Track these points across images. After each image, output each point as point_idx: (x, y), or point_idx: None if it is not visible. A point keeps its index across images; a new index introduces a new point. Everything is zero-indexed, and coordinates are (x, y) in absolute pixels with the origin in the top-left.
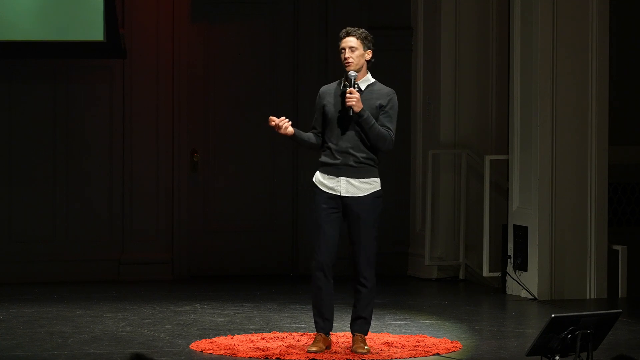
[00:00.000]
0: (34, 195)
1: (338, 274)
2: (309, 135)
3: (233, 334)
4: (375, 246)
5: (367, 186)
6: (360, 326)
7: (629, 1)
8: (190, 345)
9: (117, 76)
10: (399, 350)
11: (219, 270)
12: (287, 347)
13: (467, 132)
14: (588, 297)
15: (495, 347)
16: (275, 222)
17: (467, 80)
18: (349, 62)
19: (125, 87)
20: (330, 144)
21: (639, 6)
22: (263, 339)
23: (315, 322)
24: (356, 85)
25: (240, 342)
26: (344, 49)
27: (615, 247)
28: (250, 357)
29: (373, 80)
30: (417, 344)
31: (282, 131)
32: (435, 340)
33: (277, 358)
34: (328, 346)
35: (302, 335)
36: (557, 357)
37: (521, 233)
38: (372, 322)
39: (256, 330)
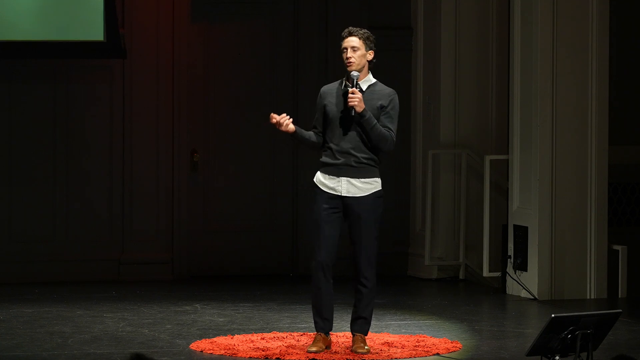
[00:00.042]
0: (34, 195)
1: (338, 274)
2: (310, 134)
3: (233, 334)
4: (376, 246)
5: (368, 186)
6: (360, 326)
7: (629, 1)
8: (190, 345)
9: (117, 76)
10: (399, 350)
11: (219, 270)
12: (287, 347)
13: (467, 132)
14: (588, 297)
15: (495, 347)
16: (275, 222)
17: (467, 80)
18: (350, 62)
19: (125, 87)
20: (331, 144)
21: (639, 6)
22: (263, 339)
23: (315, 322)
24: (358, 86)
25: (240, 342)
26: (346, 48)
27: (615, 247)
28: (250, 357)
29: (374, 80)
30: (417, 344)
31: (283, 128)
32: (435, 340)
33: (277, 358)
34: (328, 346)
35: (302, 335)
36: (557, 357)
37: (521, 233)
38: (372, 322)
39: (256, 330)
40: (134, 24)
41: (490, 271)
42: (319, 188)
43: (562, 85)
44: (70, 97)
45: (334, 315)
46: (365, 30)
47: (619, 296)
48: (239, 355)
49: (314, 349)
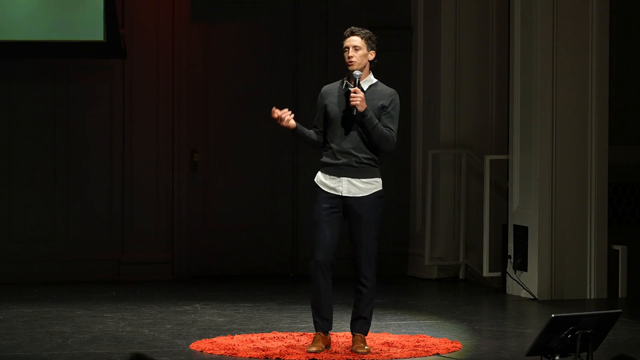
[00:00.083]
0: (34, 195)
1: (338, 274)
2: (311, 132)
3: (233, 334)
4: (376, 246)
5: (368, 186)
6: (360, 326)
7: (629, 1)
8: (190, 345)
9: (117, 76)
10: (399, 350)
11: (219, 270)
12: (287, 347)
13: (467, 132)
14: (588, 297)
15: (495, 347)
16: (275, 222)
17: (467, 80)
18: (352, 61)
19: (125, 87)
20: (332, 144)
21: (639, 6)
22: (263, 339)
23: (314, 322)
24: (359, 85)
25: (240, 342)
26: (348, 47)
27: (615, 247)
28: (250, 357)
29: (375, 80)
30: (417, 344)
31: (284, 123)
32: (435, 340)
33: (277, 358)
34: (327, 345)
35: (302, 335)
36: (557, 357)
37: (521, 233)
38: (372, 322)
39: (256, 330)
40: (134, 24)
41: (490, 271)
42: (320, 188)
43: (562, 85)
44: (70, 97)
45: (334, 315)
46: (368, 31)
47: (619, 296)
48: (239, 355)
49: (313, 348)
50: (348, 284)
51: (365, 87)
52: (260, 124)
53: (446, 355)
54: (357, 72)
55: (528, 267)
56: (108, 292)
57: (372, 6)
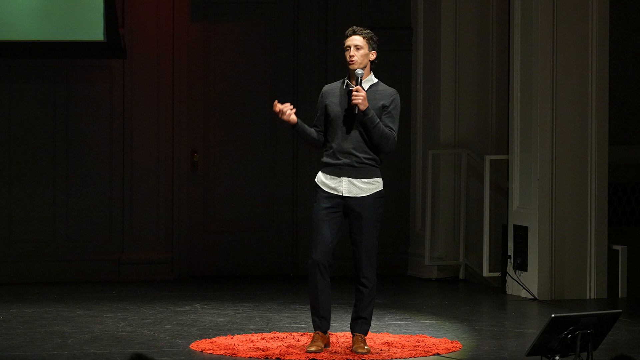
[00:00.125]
0: (34, 195)
1: (338, 273)
2: (312, 130)
3: (233, 334)
4: (376, 246)
5: (369, 186)
6: (360, 326)
7: (629, 1)
8: (190, 345)
9: (117, 76)
10: (399, 350)
11: (219, 270)
12: (287, 347)
13: (467, 132)
14: (588, 297)
15: (495, 347)
16: (275, 222)
17: (467, 80)
18: (353, 61)
19: (125, 87)
20: (332, 144)
21: (639, 6)
22: (263, 339)
23: (313, 321)
24: (361, 84)
25: (240, 342)
26: (349, 47)
27: (615, 247)
28: (250, 357)
29: (376, 80)
30: (417, 344)
31: (285, 117)
32: (435, 340)
33: (277, 358)
34: (327, 344)
35: (302, 335)
36: (557, 357)
37: (521, 233)
38: (372, 322)
39: (256, 330)
40: (134, 24)
41: (490, 271)
42: (320, 188)
43: (562, 85)
44: (70, 97)
45: (334, 315)
46: (369, 31)
47: (619, 296)
48: (239, 355)
49: (312, 348)
50: (348, 284)
51: (366, 87)
52: (260, 124)
53: (446, 355)
54: (359, 71)
55: (528, 267)
56: (108, 292)
57: (372, 6)
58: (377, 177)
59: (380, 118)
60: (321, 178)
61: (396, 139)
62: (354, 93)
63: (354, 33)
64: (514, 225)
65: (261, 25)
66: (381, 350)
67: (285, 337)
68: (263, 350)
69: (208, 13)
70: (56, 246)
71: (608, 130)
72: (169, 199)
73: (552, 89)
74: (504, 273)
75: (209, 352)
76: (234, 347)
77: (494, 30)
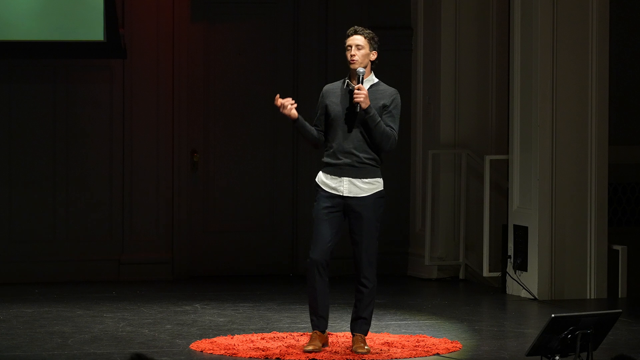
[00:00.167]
0: (34, 195)
1: (338, 273)
2: (312, 128)
3: (233, 334)
4: (376, 246)
5: (369, 186)
6: (360, 326)
7: (629, 1)
8: (190, 345)
9: (117, 76)
10: (399, 350)
11: (219, 270)
12: (287, 347)
13: (467, 132)
14: (588, 297)
15: (495, 347)
16: (275, 222)
17: (467, 80)
18: (354, 60)
19: (125, 87)
20: (333, 144)
21: (639, 6)
22: (263, 339)
23: (311, 320)
24: (363, 83)
25: (240, 342)
26: (351, 46)
27: (615, 247)
28: (250, 357)
29: (377, 80)
30: (417, 344)
31: (286, 112)
32: (435, 340)
33: (277, 358)
34: (325, 343)
35: (302, 335)
36: (557, 357)
37: (521, 233)
38: (372, 322)
39: (256, 330)
40: (134, 24)
41: (490, 271)
42: (321, 187)
43: (562, 85)
44: (70, 97)
45: (334, 315)
46: (371, 31)
47: (619, 296)
48: (239, 355)
49: (310, 347)
50: (348, 284)
51: (366, 87)
52: (260, 124)
53: (446, 355)
54: (360, 69)
55: (528, 267)
56: (108, 292)
57: (372, 6)
58: (378, 177)
59: (381, 117)
60: (322, 178)
61: (397, 138)
62: (356, 91)
63: (356, 32)
64: (514, 225)
65: (261, 25)
66: (381, 350)
67: (285, 337)
68: (263, 350)
69: (208, 13)
70: (56, 246)
71: (608, 130)
72: (169, 199)
73: (552, 89)
74: (504, 273)
75: (209, 352)
76: (234, 347)
77: (494, 30)
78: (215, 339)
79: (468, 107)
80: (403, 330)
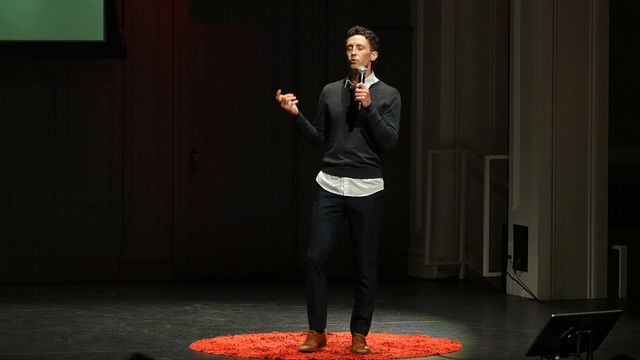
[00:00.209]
0: (34, 195)
1: (338, 273)
2: (312, 127)
3: (233, 334)
4: (377, 246)
5: (370, 186)
6: (360, 326)
7: (629, 1)
8: (190, 345)
9: (117, 76)
10: (399, 350)
11: (219, 270)
12: (287, 347)
13: (467, 132)
14: (588, 297)
15: (495, 347)
16: (275, 222)
17: (467, 80)
18: (355, 60)
19: (125, 87)
20: (333, 144)
21: (639, 6)
22: (263, 339)
23: (309, 320)
24: (364, 82)
25: (240, 342)
26: (352, 45)
27: (615, 247)
28: (250, 357)
29: (377, 80)
30: (417, 344)
31: (287, 106)
32: (435, 340)
33: (277, 358)
34: (322, 343)
35: (301, 335)
36: (557, 357)
37: (521, 233)
38: (372, 322)
39: (256, 330)
40: (134, 24)
41: (490, 271)
42: (321, 187)
43: (562, 85)
44: (70, 97)
45: (334, 315)
46: (372, 32)
47: (619, 296)
48: (239, 355)
49: (304, 347)
50: (348, 284)
51: (367, 86)
52: (260, 124)
53: (446, 355)
54: (362, 68)
55: (528, 267)
56: (108, 292)
57: (372, 6)
58: (378, 177)
59: (381, 117)
60: (322, 178)
61: (397, 137)
62: (357, 89)
63: (357, 32)
64: (514, 225)
65: (261, 25)
66: (381, 350)
67: (285, 337)
68: (263, 350)
69: (208, 13)
70: (56, 246)
71: (608, 130)
72: (169, 199)
73: (552, 89)
74: (504, 273)
75: (209, 352)
76: (234, 347)
77: (494, 30)
78: (215, 339)
79: (468, 107)
80: (403, 330)
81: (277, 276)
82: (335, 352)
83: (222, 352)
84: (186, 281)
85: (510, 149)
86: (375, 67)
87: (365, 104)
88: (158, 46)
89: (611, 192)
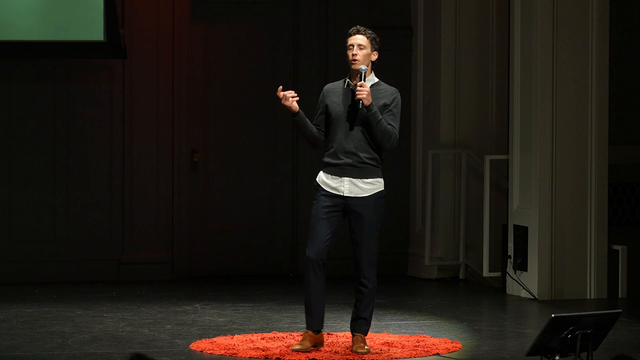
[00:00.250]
0: (34, 195)
1: (338, 273)
2: (312, 126)
3: (233, 334)
4: (377, 246)
5: (370, 187)
6: (360, 326)
7: (629, 1)
8: (190, 345)
9: (117, 76)
10: (399, 350)
11: (219, 270)
12: (287, 347)
13: (467, 132)
14: (588, 297)
15: (495, 347)
16: (275, 222)
17: (467, 80)
18: (356, 59)
19: (125, 87)
20: (333, 144)
21: (639, 6)
22: (263, 339)
23: (306, 319)
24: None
25: (240, 342)
26: (353, 45)
27: (615, 247)
28: (250, 357)
29: (377, 80)
30: (417, 344)
31: (287, 103)
32: (435, 340)
33: (277, 358)
34: (318, 344)
35: (301, 335)
36: (557, 357)
37: (521, 233)
38: (372, 322)
39: (256, 330)
40: (134, 23)
41: (490, 271)
42: (321, 187)
43: (562, 85)
44: (70, 97)
45: (334, 315)
46: (373, 32)
47: (619, 296)
48: (239, 355)
49: (297, 347)
50: (348, 284)
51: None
52: (260, 124)
53: (446, 355)
54: (363, 67)
55: (528, 267)
56: (108, 292)
57: (372, 6)
58: (379, 177)
59: (382, 116)
60: (322, 178)
61: (397, 136)
62: (358, 88)
63: (358, 32)
64: (514, 225)
65: (261, 25)
66: (381, 350)
67: (285, 337)
68: (263, 350)
69: (208, 13)
70: (56, 246)
71: (608, 130)
72: (169, 199)
73: (552, 89)
74: (504, 273)
75: (209, 352)
76: (234, 347)
77: (494, 30)
78: (215, 339)
79: (468, 107)
80: (403, 330)
81: (277, 276)
82: (335, 352)
83: (222, 352)
84: (186, 281)
85: (510, 149)
86: (376, 67)
87: (367, 102)
88: (158, 46)
89: (611, 192)
